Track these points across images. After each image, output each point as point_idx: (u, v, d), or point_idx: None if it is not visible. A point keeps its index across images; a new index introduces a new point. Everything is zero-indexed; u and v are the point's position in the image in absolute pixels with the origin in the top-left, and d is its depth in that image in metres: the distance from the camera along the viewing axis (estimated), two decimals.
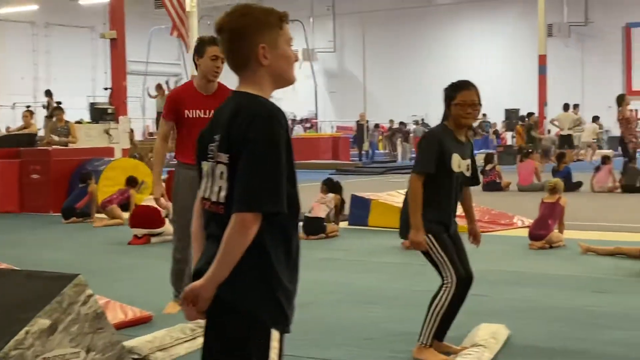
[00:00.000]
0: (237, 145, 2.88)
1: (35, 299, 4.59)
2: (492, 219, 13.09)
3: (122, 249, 11.69)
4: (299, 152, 33.00)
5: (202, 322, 3.03)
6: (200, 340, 3.12)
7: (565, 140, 28.12)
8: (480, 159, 18.33)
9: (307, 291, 8.00)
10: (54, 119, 18.90)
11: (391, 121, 38.85)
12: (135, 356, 5.61)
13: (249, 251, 2.86)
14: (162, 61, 45.49)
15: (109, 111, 19.19)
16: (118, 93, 19.65)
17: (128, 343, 5.65)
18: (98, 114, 19.48)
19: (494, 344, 5.94)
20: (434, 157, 5.67)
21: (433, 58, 47.26)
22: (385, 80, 48.48)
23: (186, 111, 6.98)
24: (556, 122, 28.84)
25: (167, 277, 7.52)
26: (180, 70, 45.11)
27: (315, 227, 11.98)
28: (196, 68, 7.10)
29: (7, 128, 29.72)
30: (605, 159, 19.49)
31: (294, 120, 47.35)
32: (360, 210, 13.23)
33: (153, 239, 11.97)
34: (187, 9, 24.43)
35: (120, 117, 19.23)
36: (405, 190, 5.92)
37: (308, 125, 46.85)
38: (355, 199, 13.48)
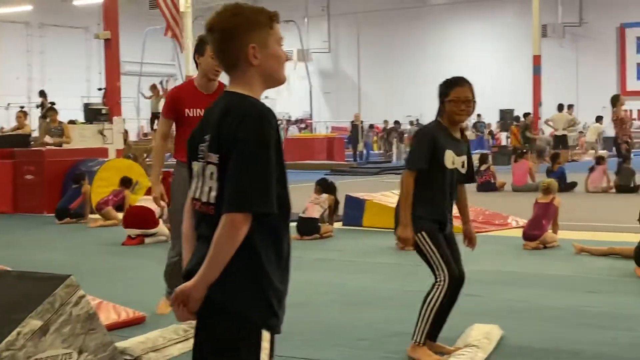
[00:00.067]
0: (227, 145, 2.87)
1: (26, 300, 4.57)
2: (487, 219, 13.08)
3: (116, 250, 11.67)
4: (294, 152, 33.31)
5: (194, 322, 3.02)
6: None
7: (560, 141, 28.13)
8: (475, 159, 18.30)
9: (301, 292, 8.01)
10: (48, 119, 18.88)
11: (385, 122, 38.86)
12: (128, 357, 5.59)
13: (240, 252, 2.85)
14: (157, 62, 45.46)
15: (103, 112, 19.18)
16: (112, 93, 19.64)
17: (121, 344, 5.64)
18: (92, 114, 19.47)
19: (487, 344, 5.93)
20: (426, 154, 5.66)
21: (428, 58, 47.29)
22: (380, 81, 48.51)
23: (186, 110, 6.95)
24: (550, 123, 28.86)
25: (161, 278, 7.50)
26: (175, 70, 45.07)
27: (309, 227, 11.97)
28: (197, 67, 7.07)
29: (1, 129, 29.66)
30: (600, 160, 19.52)
31: (288, 121, 47.33)
32: (355, 211, 13.22)
33: (147, 240, 11.95)
34: (182, 9, 24.46)
35: (115, 118, 19.22)
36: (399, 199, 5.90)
37: (303, 125, 46.84)
38: (349, 199, 13.48)
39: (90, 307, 4.75)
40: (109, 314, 6.70)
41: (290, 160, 32.48)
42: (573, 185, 18.99)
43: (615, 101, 20.58)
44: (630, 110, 34.14)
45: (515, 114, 33.91)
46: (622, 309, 7.34)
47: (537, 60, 32.73)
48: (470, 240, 5.92)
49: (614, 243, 10.51)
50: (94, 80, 41.74)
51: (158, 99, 25.92)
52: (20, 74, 43.96)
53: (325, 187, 12.61)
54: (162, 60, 47.03)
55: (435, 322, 5.68)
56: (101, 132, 18.88)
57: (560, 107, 28.64)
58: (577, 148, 33.10)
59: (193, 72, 31.07)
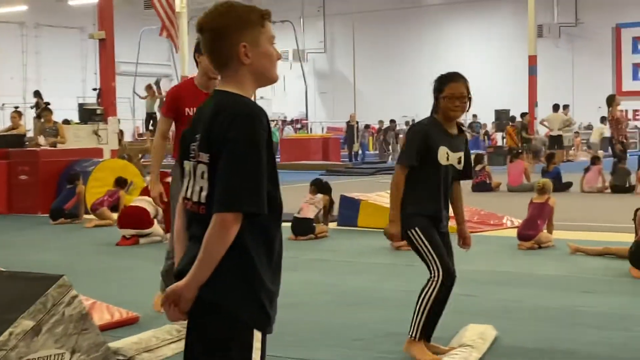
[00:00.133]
0: (218, 144, 2.85)
1: (19, 300, 4.56)
2: (482, 219, 13.08)
3: (110, 250, 11.65)
4: (289, 152, 33.24)
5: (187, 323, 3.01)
6: None
7: (555, 141, 28.14)
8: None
9: (296, 292, 8.01)
10: (42, 119, 18.86)
11: (381, 122, 38.86)
12: (121, 357, 5.58)
13: (231, 252, 2.83)
14: (152, 62, 45.44)
15: (98, 112, 19.15)
16: (107, 94, 19.62)
17: (114, 344, 5.63)
18: (87, 114, 19.44)
19: (481, 344, 5.93)
20: (417, 150, 5.64)
21: (423, 59, 47.29)
22: (376, 81, 48.49)
23: (186, 109, 6.93)
24: (546, 123, 28.87)
25: (155, 278, 7.49)
26: (170, 71, 45.08)
27: (304, 227, 11.95)
28: (197, 65, 7.05)
29: None
30: (595, 160, 19.53)
31: (284, 121, 47.33)
32: (350, 211, 13.21)
33: (141, 240, 11.93)
34: (177, 9, 24.46)
35: (109, 118, 19.21)
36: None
37: (298, 126, 46.84)
38: (344, 199, 13.47)
39: (82, 307, 4.74)
40: (102, 314, 6.69)
41: (285, 160, 32.63)
42: (568, 185, 19.00)
43: (611, 101, 20.58)
44: (626, 111, 34.16)
45: (511, 114, 33.88)
46: (617, 309, 7.34)
47: (532, 61, 32.69)
48: (464, 240, 5.90)
49: (609, 243, 10.51)
50: (90, 81, 41.80)
51: (153, 99, 25.89)
52: (15, 74, 43.93)
53: (320, 187, 12.60)
54: (158, 61, 47.04)
55: (429, 319, 5.66)
56: (96, 133, 18.85)
57: (555, 108, 28.64)
58: (572, 148, 33.10)
59: (188, 72, 31.06)
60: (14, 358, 4.37)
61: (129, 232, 11.97)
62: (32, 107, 25.98)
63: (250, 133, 2.83)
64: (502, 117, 35.78)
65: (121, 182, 14.74)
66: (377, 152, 38.53)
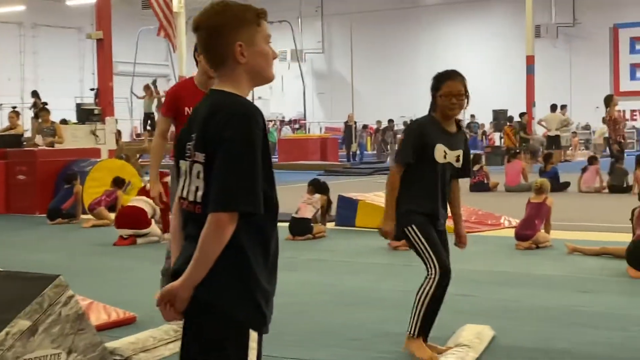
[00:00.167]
0: (214, 144, 2.84)
1: (15, 300, 4.55)
2: (479, 219, 13.08)
3: (108, 250, 11.64)
4: (288, 153, 33.22)
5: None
6: None
7: (553, 141, 28.15)
8: None
9: (294, 292, 8.01)
10: (40, 119, 18.85)
11: (378, 122, 38.87)
12: (118, 357, 5.56)
13: (226, 251, 2.83)
14: (150, 62, 45.42)
15: (96, 112, 19.14)
16: (105, 94, 19.61)
17: (111, 344, 5.62)
18: (84, 114, 19.43)
19: (478, 344, 5.92)
20: (413, 148, 5.64)
21: (421, 59, 47.30)
22: (374, 81, 48.51)
23: (186, 108, 6.90)
24: (543, 123, 28.89)
25: (152, 278, 7.48)
26: (168, 71, 45.06)
27: (302, 227, 11.95)
28: (196, 64, 7.03)
29: None
30: (592, 160, 19.53)
31: (282, 121, 47.33)
32: (347, 211, 13.20)
33: (139, 240, 11.92)
34: (175, 9, 24.44)
35: (107, 118, 19.20)
36: None
37: (297, 126, 46.83)
38: (342, 199, 13.46)
39: (79, 307, 4.73)
40: (99, 314, 6.68)
41: (283, 160, 32.63)
42: (566, 185, 19.01)
43: (608, 101, 20.59)
44: (624, 111, 34.18)
45: (509, 114, 33.91)
46: (614, 309, 7.33)
47: (530, 61, 32.73)
48: (460, 239, 5.89)
49: (606, 243, 10.51)
50: (87, 81, 41.73)
51: (151, 99, 25.87)
52: (13, 74, 43.90)
53: (317, 187, 12.59)
54: (156, 61, 47.01)
55: (427, 316, 5.66)
56: (93, 133, 18.85)
57: (553, 108, 28.66)
58: (570, 148, 33.13)
59: (186, 72, 31.06)
60: (10, 358, 4.36)
61: (126, 232, 11.97)
62: (30, 109, 25.94)
63: (246, 133, 2.82)
64: (500, 117, 35.81)
65: (119, 182, 14.73)
66: (375, 152, 38.53)
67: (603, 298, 7.83)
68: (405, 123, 39.32)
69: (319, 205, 12.32)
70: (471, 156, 6.05)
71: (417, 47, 48.39)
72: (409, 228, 5.63)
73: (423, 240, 5.60)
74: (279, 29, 44.51)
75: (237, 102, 2.91)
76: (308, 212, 12.11)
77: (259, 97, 44.71)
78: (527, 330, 6.63)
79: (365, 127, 39.45)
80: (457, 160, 5.74)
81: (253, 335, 2.90)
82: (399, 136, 35.82)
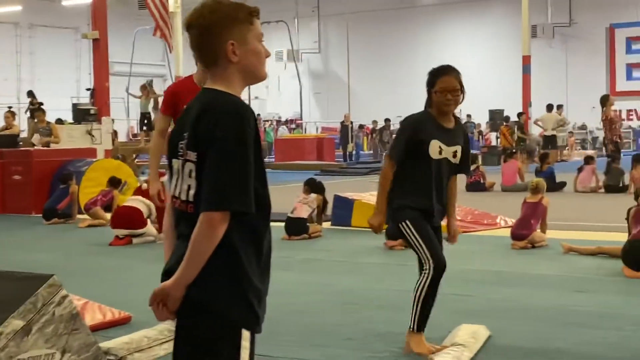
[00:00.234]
0: (205, 143, 2.83)
1: (8, 300, 4.53)
2: (475, 219, 13.08)
3: (104, 250, 11.63)
4: (284, 153, 33.19)
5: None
6: None
7: (549, 141, 28.17)
8: None
9: (289, 291, 8.01)
10: (36, 120, 18.83)
11: (374, 122, 38.86)
12: (112, 357, 5.55)
13: (219, 251, 2.82)
14: (147, 62, 45.38)
15: (92, 112, 19.13)
16: (101, 94, 19.59)
17: (105, 344, 5.61)
18: (80, 114, 19.42)
19: (473, 344, 5.91)
20: (406, 143, 5.62)
21: (418, 59, 47.21)
22: (371, 81, 48.50)
23: (184, 106, 6.88)
24: (540, 123, 28.90)
25: (148, 278, 7.44)
26: (164, 71, 45.00)
27: (298, 227, 11.94)
28: (196, 63, 7.00)
29: None
30: (588, 159, 19.53)
31: (279, 121, 47.31)
32: (343, 211, 13.19)
33: (134, 240, 11.91)
34: (171, 9, 24.42)
35: (103, 118, 19.18)
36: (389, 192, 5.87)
37: (293, 126, 46.81)
38: (338, 199, 13.45)
39: (73, 307, 4.71)
40: (94, 314, 6.67)
41: (280, 160, 32.61)
42: (562, 185, 19.01)
43: (604, 101, 20.61)
44: (620, 111, 34.21)
45: (505, 114, 33.92)
46: (609, 309, 7.33)
47: (526, 61, 32.76)
48: (451, 235, 5.86)
49: (602, 242, 10.51)
50: (84, 81, 41.72)
51: (148, 99, 25.85)
52: (9, 74, 43.86)
53: (313, 187, 12.58)
54: (152, 61, 46.97)
55: (425, 310, 5.65)
56: (90, 133, 18.83)
57: (549, 108, 28.68)
58: (566, 148, 33.14)
59: (183, 72, 31.01)
60: (3, 358, 4.35)
61: (122, 232, 11.96)
62: (27, 111, 25.89)
63: (237, 132, 2.81)
64: (496, 117, 35.83)
65: (115, 182, 14.72)
66: (371, 152, 38.52)
67: (599, 298, 7.83)
68: (401, 123, 39.26)
69: (314, 205, 12.31)
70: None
71: (414, 47, 48.36)
72: (403, 223, 5.62)
73: (417, 235, 5.59)
74: (276, 29, 44.52)
75: (229, 101, 2.90)
76: (304, 212, 12.10)
77: (256, 97, 44.71)
78: (522, 329, 6.63)
79: (361, 127, 39.43)
80: (454, 156, 5.71)
81: (245, 334, 2.89)
82: (395, 136, 35.82)
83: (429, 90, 5.68)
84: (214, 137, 2.81)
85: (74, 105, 22.02)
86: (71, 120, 20.43)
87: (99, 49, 19.52)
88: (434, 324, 5.85)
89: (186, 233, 2.87)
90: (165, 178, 7.39)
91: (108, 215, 13.50)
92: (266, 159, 32.31)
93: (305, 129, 47.74)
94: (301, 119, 48.22)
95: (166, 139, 7.23)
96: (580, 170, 19.22)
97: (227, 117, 2.83)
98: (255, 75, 3.04)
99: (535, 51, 35.70)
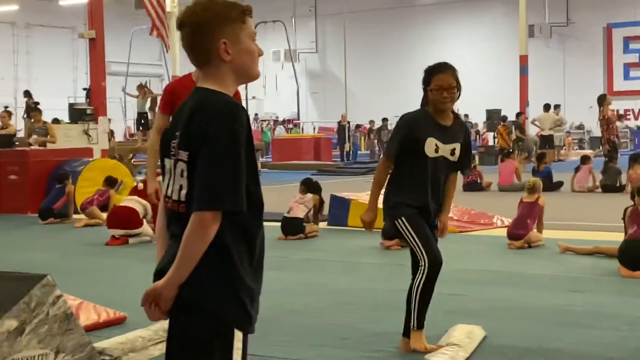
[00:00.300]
0: (197, 142, 2.82)
1: (2, 300, 4.51)
2: (472, 218, 13.07)
3: (100, 250, 11.61)
4: (281, 152, 33.15)
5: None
6: None
7: (546, 141, 28.18)
8: None
9: (286, 291, 8.00)
10: (32, 119, 18.81)
11: (371, 122, 38.85)
12: (107, 357, 5.54)
13: (211, 250, 2.81)
14: (144, 62, 45.36)
15: (88, 112, 19.11)
16: (97, 93, 19.58)
17: (99, 344, 5.59)
18: (77, 114, 19.40)
19: (468, 344, 5.91)
20: (401, 141, 5.61)
21: (415, 59, 47.18)
22: (368, 81, 48.48)
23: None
24: (537, 122, 28.91)
25: (144, 278, 7.41)
26: (161, 70, 45.01)
27: (294, 227, 11.92)
28: None
29: None
30: (585, 159, 19.51)
31: (276, 121, 47.29)
32: (340, 211, 13.18)
33: (131, 240, 11.89)
34: (168, 9, 24.40)
35: (100, 118, 19.17)
36: (384, 190, 5.86)
37: (290, 126, 46.80)
38: (334, 199, 13.44)
39: (67, 307, 4.70)
40: (89, 314, 6.66)
41: (277, 160, 32.59)
42: (559, 184, 19.01)
43: (602, 101, 20.61)
44: (617, 110, 34.22)
45: (502, 114, 33.92)
46: (606, 308, 7.32)
47: (524, 60, 32.77)
48: (441, 229, 5.81)
49: (599, 242, 10.49)
50: (81, 81, 41.71)
51: (145, 98, 25.84)
52: (6, 74, 43.83)
53: (309, 186, 12.56)
54: (149, 61, 46.95)
55: (422, 307, 5.64)
56: (86, 132, 18.81)
57: (546, 107, 28.68)
58: (563, 148, 33.14)
59: (179, 72, 31.00)
60: None
61: (118, 232, 11.94)
62: (24, 114, 25.87)
63: (229, 131, 2.79)
64: (494, 117, 35.81)
65: (111, 182, 14.70)
66: (369, 152, 38.51)
67: (595, 297, 7.82)
68: None
69: (311, 205, 12.29)
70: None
71: (411, 47, 48.34)
72: (399, 220, 5.61)
73: (412, 232, 5.58)
74: (273, 28, 44.49)
75: (221, 100, 2.88)
76: (300, 212, 12.08)
77: (253, 97, 44.65)
78: (519, 329, 6.62)
79: (358, 126, 39.43)
80: (452, 154, 5.68)
81: (238, 335, 2.87)
82: None
83: (424, 88, 5.66)
84: (206, 136, 2.79)
85: (71, 105, 22.00)
86: (68, 120, 20.41)
87: (96, 48, 19.53)
88: (430, 324, 5.84)
89: (178, 233, 2.86)
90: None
91: (104, 215, 13.48)
92: (263, 159, 32.36)
93: (303, 129, 47.73)
94: (298, 119, 48.20)
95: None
96: (577, 170, 19.20)
97: (220, 116, 2.81)
98: (248, 74, 3.02)
99: (533, 51, 35.71)
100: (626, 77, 43.57)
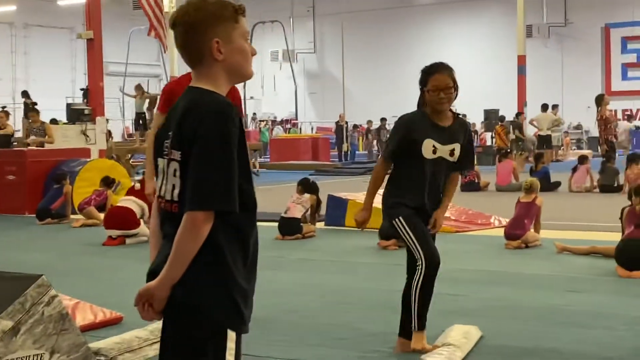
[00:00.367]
0: (189, 142, 2.81)
1: None
2: (469, 218, 13.07)
3: (97, 250, 11.60)
4: (279, 153, 33.14)
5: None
6: None
7: (544, 141, 28.18)
8: None
9: (282, 291, 8.00)
10: (30, 120, 18.80)
11: (369, 122, 38.84)
12: (103, 358, 5.53)
13: (203, 250, 2.80)
14: (142, 62, 45.35)
15: (86, 112, 19.10)
16: (95, 94, 19.57)
17: (95, 344, 5.59)
18: (75, 114, 19.38)
19: (465, 344, 5.90)
20: (399, 143, 5.60)
21: (413, 59, 47.10)
22: (366, 81, 48.50)
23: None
24: (535, 123, 28.91)
25: (141, 278, 7.41)
26: (159, 71, 44.99)
27: (291, 227, 11.92)
28: None
29: None
30: (583, 159, 19.51)
31: (274, 121, 47.28)
32: (337, 211, 13.18)
33: (128, 240, 11.88)
34: (166, 9, 24.36)
35: (97, 118, 19.16)
36: (383, 190, 5.86)
37: (288, 126, 46.78)
38: (331, 199, 13.43)
39: (62, 307, 4.69)
40: (86, 314, 6.65)
41: (275, 160, 32.58)
42: (557, 184, 19.01)
43: (600, 101, 20.62)
44: (615, 111, 34.22)
45: (500, 114, 33.93)
46: (603, 308, 7.32)
47: (522, 61, 32.78)
48: (433, 224, 5.74)
49: (596, 242, 10.50)
50: (79, 81, 41.61)
51: (143, 99, 25.83)
52: (4, 74, 43.81)
53: (307, 186, 12.56)
54: (147, 61, 46.92)
55: (422, 307, 5.63)
56: (84, 133, 18.80)
57: (544, 107, 28.68)
58: (561, 148, 33.17)
59: (177, 72, 31.00)
60: None
61: (115, 232, 11.92)
62: (24, 115, 25.85)
63: (221, 130, 2.78)
64: (491, 117, 35.85)
65: (108, 182, 14.70)
66: (367, 152, 38.50)
67: (592, 297, 7.82)
68: None
69: (308, 205, 12.29)
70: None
71: (409, 47, 48.34)
72: (397, 220, 5.61)
73: (409, 231, 5.57)
74: (271, 29, 44.51)
75: (213, 100, 2.87)
76: (297, 212, 12.08)
77: (251, 97, 44.66)
78: (515, 329, 6.62)
79: (356, 127, 39.43)
80: (451, 155, 5.65)
81: (231, 335, 2.87)
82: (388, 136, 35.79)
83: (421, 88, 5.64)
84: (197, 135, 2.79)
85: (68, 105, 21.98)
86: (65, 120, 20.39)
87: (94, 48, 19.51)
88: (428, 323, 5.83)
89: (171, 233, 2.85)
90: None
91: (102, 215, 13.47)
92: (261, 159, 32.34)
93: (301, 129, 47.73)
94: (296, 119, 48.19)
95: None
96: (574, 170, 19.20)
97: (212, 115, 2.81)
98: (240, 74, 3.01)
99: (531, 51, 35.70)
100: (624, 77, 43.60)
